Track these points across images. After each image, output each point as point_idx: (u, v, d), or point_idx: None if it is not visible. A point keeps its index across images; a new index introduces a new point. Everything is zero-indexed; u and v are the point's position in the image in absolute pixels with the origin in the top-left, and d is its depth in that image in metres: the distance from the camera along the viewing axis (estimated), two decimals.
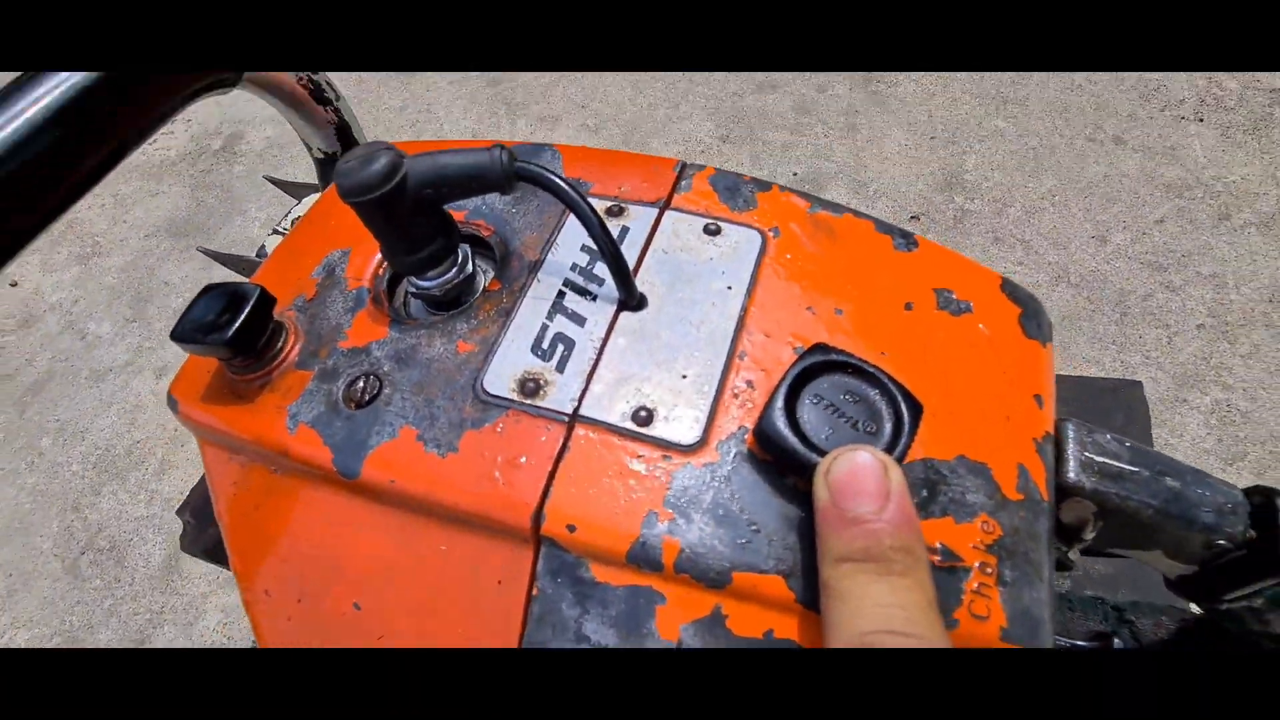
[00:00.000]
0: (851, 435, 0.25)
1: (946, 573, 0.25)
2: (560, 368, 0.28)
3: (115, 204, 1.55)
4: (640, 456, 0.26)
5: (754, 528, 0.25)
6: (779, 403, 0.25)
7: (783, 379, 0.25)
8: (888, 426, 0.25)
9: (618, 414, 0.27)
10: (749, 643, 0.24)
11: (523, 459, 0.26)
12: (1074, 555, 0.39)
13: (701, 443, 0.26)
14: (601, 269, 0.31)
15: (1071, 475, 0.38)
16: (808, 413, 0.25)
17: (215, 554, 0.59)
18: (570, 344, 0.29)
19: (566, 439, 0.27)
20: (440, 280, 0.30)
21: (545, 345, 0.29)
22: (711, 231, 0.32)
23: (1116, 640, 0.58)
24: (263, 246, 0.60)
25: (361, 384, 0.29)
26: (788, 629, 0.24)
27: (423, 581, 0.27)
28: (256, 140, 1.62)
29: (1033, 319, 0.31)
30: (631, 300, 0.30)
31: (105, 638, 0.88)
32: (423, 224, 0.29)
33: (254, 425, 0.29)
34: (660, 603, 0.25)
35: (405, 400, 0.28)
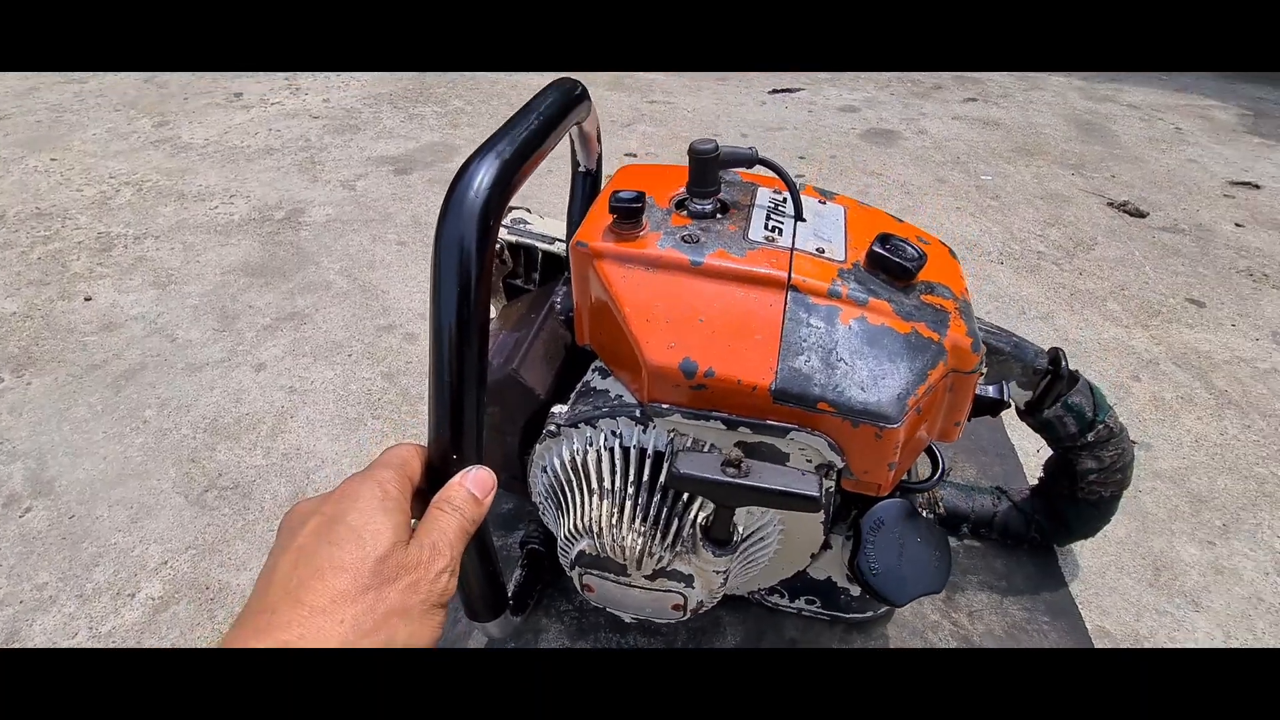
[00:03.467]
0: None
1: (937, 310, 0.68)
2: (780, 234, 0.70)
3: (184, 249, 1.77)
4: (820, 268, 0.68)
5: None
6: None
7: None
8: None
9: (812, 248, 0.69)
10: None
11: (775, 259, 0.67)
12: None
13: (844, 259, 0.68)
14: (782, 209, 0.74)
15: None
16: None
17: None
18: (780, 229, 0.71)
19: (791, 250, 0.68)
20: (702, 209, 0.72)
21: (769, 229, 0.71)
22: (823, 201, 0.77)
23: (1004, 498, 1.05)
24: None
25: (688, 235, 0.69)
26: None
27: (731, 307, 0.65)
28: (318, 215, 1.95)
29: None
30: (801, 218, 0.73)
31: (241, 549, 1.02)
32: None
33: (639, 247, 0.68)
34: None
35: (714, 241, 0.68)
